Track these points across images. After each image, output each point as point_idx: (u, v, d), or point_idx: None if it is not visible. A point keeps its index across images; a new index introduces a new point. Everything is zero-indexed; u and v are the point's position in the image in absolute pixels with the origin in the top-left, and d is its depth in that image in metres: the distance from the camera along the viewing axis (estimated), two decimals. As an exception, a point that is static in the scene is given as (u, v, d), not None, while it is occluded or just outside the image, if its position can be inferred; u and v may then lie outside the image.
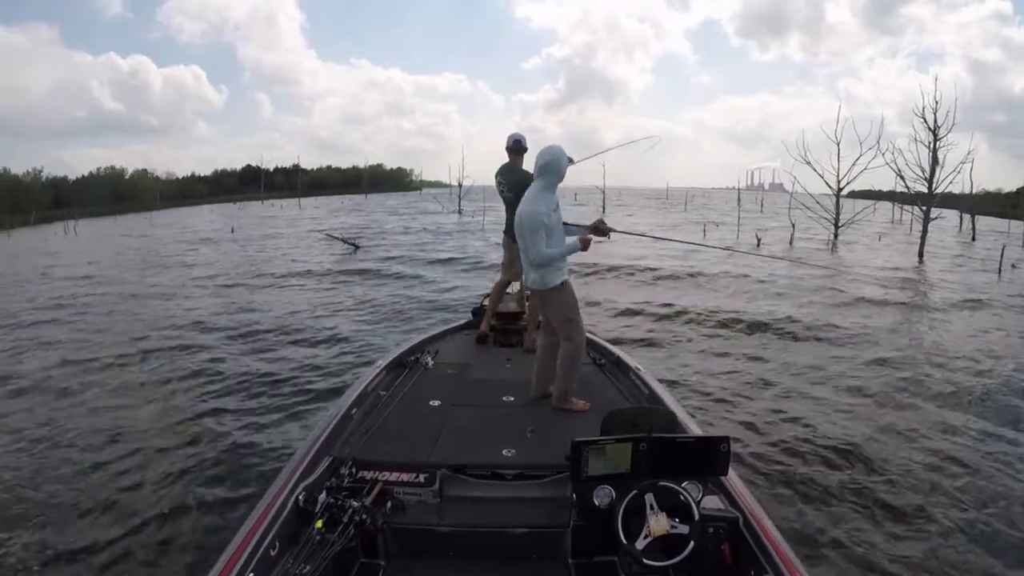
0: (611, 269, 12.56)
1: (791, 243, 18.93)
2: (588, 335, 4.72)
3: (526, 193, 3.25)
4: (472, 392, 3.60)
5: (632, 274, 12.23)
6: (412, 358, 4.08)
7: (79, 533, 3.41)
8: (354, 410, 3.18)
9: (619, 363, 4.05)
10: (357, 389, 3.40)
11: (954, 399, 5.53)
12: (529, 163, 4.38)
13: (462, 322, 5.19)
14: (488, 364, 4.21)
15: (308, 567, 1.99)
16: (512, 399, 3.42)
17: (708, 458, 2.25)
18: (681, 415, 2.94)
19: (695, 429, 2.84)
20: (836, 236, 19.71)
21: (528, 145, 4.43)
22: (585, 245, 3.30)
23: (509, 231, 4.36)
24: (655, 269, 12.64)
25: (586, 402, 3.32)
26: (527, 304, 4.64)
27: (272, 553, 2.06)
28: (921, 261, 15.35)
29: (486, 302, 4.96)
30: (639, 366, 3.85)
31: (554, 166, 3.18)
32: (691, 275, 12.26)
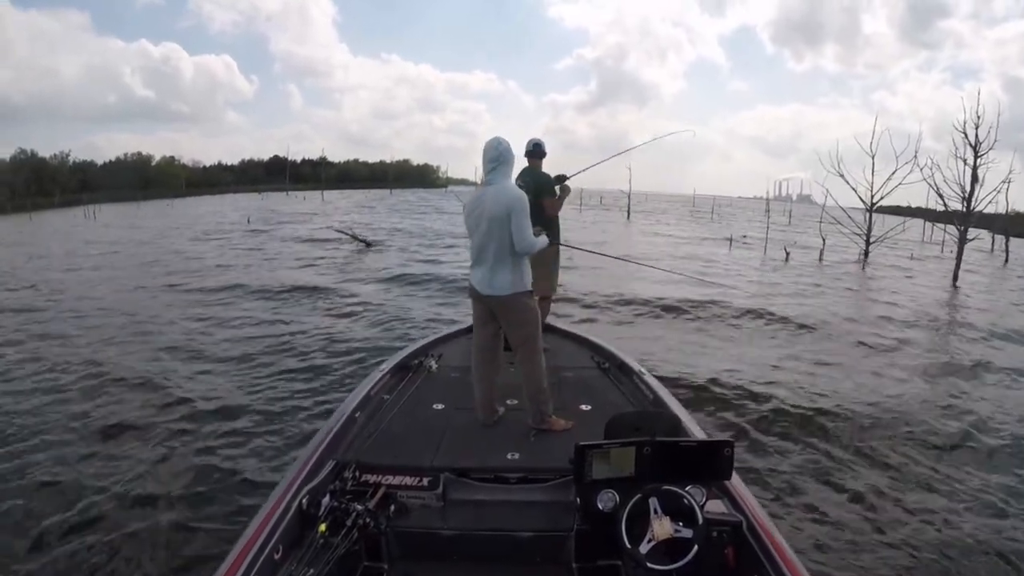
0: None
1: (821, 258, 18.42)
2: (592, 339, 4.72)
3: (498, 184, 3.01)
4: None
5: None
6: (416, 361, 4.07)
7: (73, 528, 3.40)
8: (357, 413, 3.16)
9: (623, 367, 4.01)
10: (360, 393, 3.39)
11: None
12: (546, 166, 4.50)
13: (466, 325, 5.09)
14: None
15: (311, 570, 1.99)
16: (515, 402, 3.38)
17: (711, 462, 2.25)
18: (685, 419, 2.93)
19: (699, 433, 2.83)
20: (867, 253, 19.12)
21: (547, 150, 4.47)
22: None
23: None
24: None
25: (567, 420, 3.15)
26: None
27: (276, 556, 2.07)
28: (956, 286, 14.70)
29: None
30: (643, 370, 3.81)
31: (510, 153, 3.05)
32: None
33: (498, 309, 3.12)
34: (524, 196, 3.02)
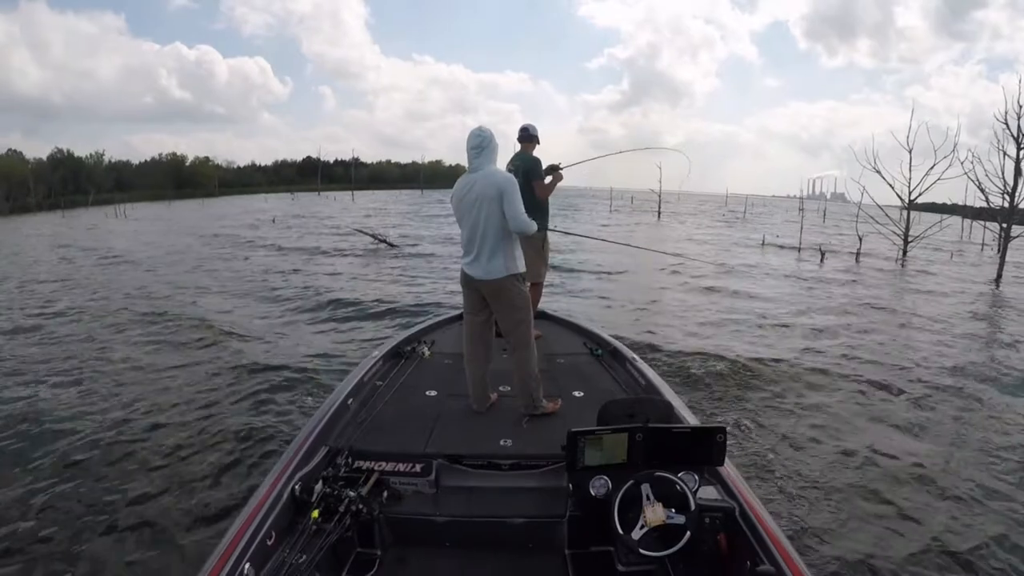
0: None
1: (857, 259, 17.75)
2: (585, 325, 4.72)
3: (486, 169, 3.05)
4: None
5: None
6: (409, 348, 4.07)
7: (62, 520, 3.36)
8: (350, 400, 3.17)
9: (616, 353, 4.03)
10: (353, 379, 3.38)
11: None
12: (537, 152, 4.51)
13: (459, 312, 5.09)
14: None
15: (304, 556, 1.99)
16: (508, 389, 3.38)
17: (704, 448, 2.26)
18: (678, 405, 2.94)
19: (691, 419, 2.83)
20: (905, 253, 18.35)
21: (537, 134, 4.49)
22: None
23: None
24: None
25: (556, 400, 3.23)
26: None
27: (269, 543, 2.06)
28: (998, 286, 13.68)
29: None
30: (636, 356, 3.82)
31: (493, 139, 3.08)
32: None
33: (491, 294, 3.11)
34: (513, 178, 3.06)
